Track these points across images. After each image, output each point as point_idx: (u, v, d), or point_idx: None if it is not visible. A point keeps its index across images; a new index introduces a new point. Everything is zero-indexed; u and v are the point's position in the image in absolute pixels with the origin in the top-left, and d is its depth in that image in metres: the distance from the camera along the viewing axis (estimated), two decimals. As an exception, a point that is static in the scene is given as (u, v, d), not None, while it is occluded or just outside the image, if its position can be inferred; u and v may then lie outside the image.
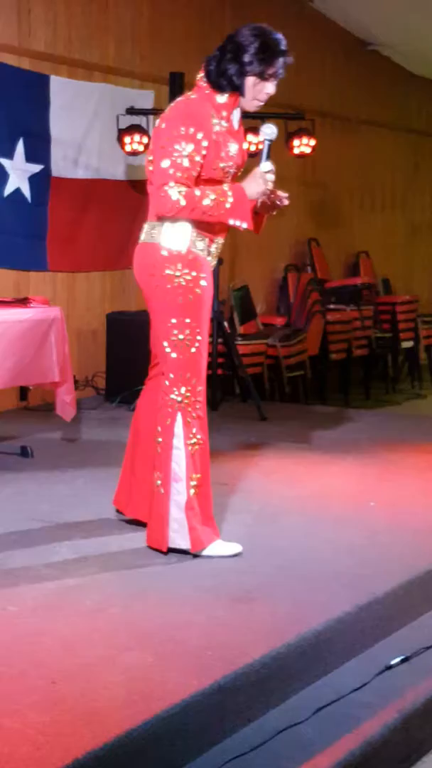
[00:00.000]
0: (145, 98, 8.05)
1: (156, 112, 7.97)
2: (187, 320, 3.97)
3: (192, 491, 4.03)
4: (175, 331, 3.98)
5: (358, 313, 9.30)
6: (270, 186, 3.97)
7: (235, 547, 4.07)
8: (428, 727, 3.34)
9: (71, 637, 3.28)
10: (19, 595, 3.63)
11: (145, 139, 7.61)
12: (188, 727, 2.85)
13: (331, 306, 9.23)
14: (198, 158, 3.87)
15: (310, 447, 6.14)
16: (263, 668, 3.13)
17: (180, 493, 4.03)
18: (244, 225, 3.94)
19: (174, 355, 4.01)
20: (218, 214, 3.90)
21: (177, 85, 8.10)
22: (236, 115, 4.07)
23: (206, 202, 3.86)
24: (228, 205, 3.89)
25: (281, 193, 4.04)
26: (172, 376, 4.02)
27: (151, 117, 7.86)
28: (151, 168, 3.99)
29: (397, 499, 5.06)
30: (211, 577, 3.86)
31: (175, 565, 3.99)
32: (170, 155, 3.86)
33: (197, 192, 3.87)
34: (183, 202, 3.85)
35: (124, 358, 7.62)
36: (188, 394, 4.01)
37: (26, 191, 7.23)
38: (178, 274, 3.95)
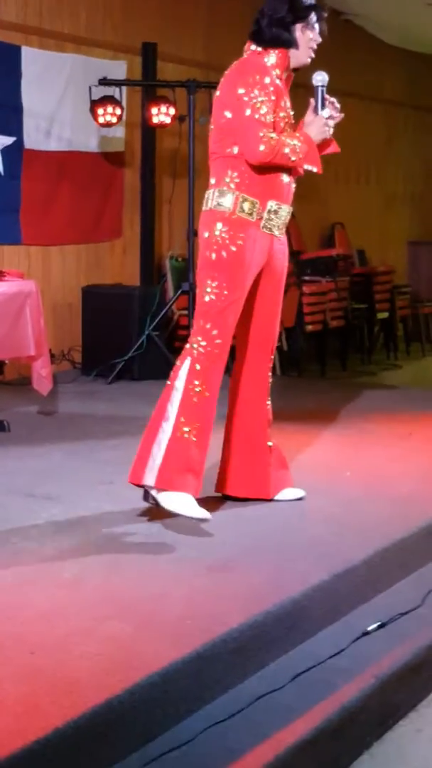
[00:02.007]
0: (117, 69, 7.99)
1: (129, 83, 7.94)
2: (216, 274, 4.08)
3: (182, 435, 4.02)
4: (204, 284, 4.10)
5: (333, 284, 9.31)
6: (330, 132, 4.18)
7: (203, 512, 4.01)
8: (404, 691, 3.38)
9: (49, 609, 3.29)
10: (-3, 567, 3.64)
11: (118, 110, 7.56)
12: (167, 695, 2.87)
13: (307, 278, 9.23)
14: (269, 104, 4.04)
15: (286, 418, 6.15)
16: (241, 636, 3.15)
17: (164, 431, 4.06)
18: (315, 169, 4.14)
19: (200, 305, 4.12)
20: (297, 159, 4.08)
21: (149, 55, 8.06)
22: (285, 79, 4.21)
23: (288, 148, 4.04)
24: (302, 152, 4.07)
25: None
26: (196, 322, 4.12)
27: (124, 88, 7.81)
28: (212, 129, 4.14)
29: (372, 468, 5.10)
30: (190, 548, 3.87)
31: (153, 536, 4.00)
32: (249, 104, 4.02)
33: (282, 138, 4.04)
34: (274, 144, 3.99)
35: (100, 332, 7.61)
36: (204, 343, 4.07)
37: (-2, 164, 7.19)
38: (216, 232, 4.08)
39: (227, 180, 4.08)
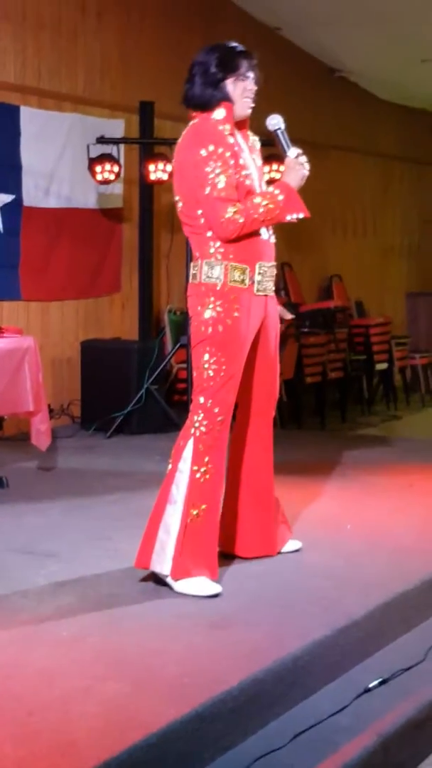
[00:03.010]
0: (115, 127, 8.09)
1: (126, 141, 8.03)
2: (213, 349, 3.99)
3: (192, 520, 3.96)
4: (201, 360, 4.02)
5: (332, 336, 9.34)
6: (307, 167, 4.08)
7: (215, 588, 3.95)
8: (407, 749, 3.33)
9: (48, 668, 3.26)
10: (-5, 626, 3.61)
11: (116, 168, 7.64)
12: (166, 756, 2.83)
13: (306, 329, 9.26)
14: (230, 170, 3.95)
15: (286, 471, 6.14)
16: (241, 694, 3.12)
17: (173, 516, 3.98)
18: (301, 215, 4.05)
19: (199, 381, 4.04)
20: (273, 216, 3.99)
21: (147, 113, 8.16)
22: (238, 133, 4.12)
23: (260, 210, 3.96)
24: (281, 204, 3.99)
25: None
26: (196, 399, 4.04)
27: (121, 146, 7.90)
28: (180, 206, 4.05)
29: (373, 520, 5.07)
30: (188, 604, 3.84)
31: (152, 593, 3.97)
32: (206, 181, 3.92)
33: (249, 204, 3.95)
34: (241, 220, 3.93)
35: (99, 386, 7.62)
36: (206, 422, 3.99)
37: (-2, 221, 7.25)
38: (211, 306, 4.00)
39: (212, 251, 3.99)
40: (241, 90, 4.05)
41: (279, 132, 4.13)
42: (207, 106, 4.04)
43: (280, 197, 4.00)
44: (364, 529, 4.88)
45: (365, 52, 9.94)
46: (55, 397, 7.55)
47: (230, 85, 4.04)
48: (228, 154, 3.95)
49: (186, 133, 4.06)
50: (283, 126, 4.13)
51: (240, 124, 4.15)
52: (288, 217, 4.02)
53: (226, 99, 4.04)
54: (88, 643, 3.47)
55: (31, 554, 4.48)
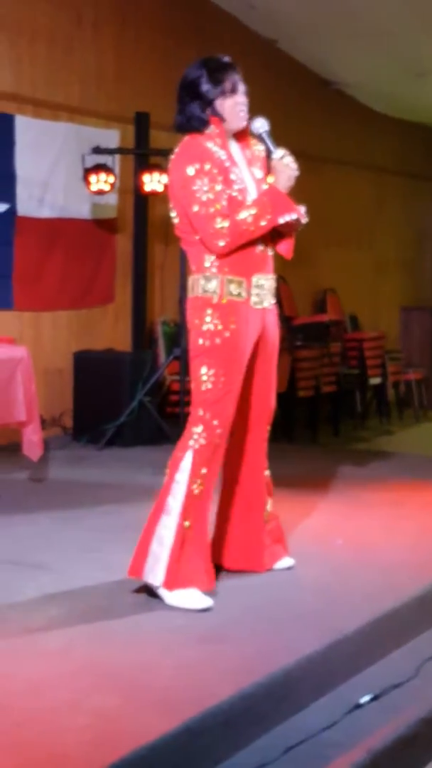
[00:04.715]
0: (110, 138, 8.08)
1: (121, 151, 8.03)
2: (210, 362, 3.99)
3: (185, 530, 3.95)
4: (198, 372, 4.02)
5: (325, 349, 9.32)
6: (293, 167, 4.06)
7: (206, 602, 3.93)
8: (397, 766, 3.31)
9: (36, 680, 3.23)
10: (-16, 637, 3.58)
11: (110, 178, 7.63)
12: (155, 770, 2.81)
13: (299, 343, 9.25)
14: (218, 186, 3.95)
15: (278, 485, 6.11)
16: (231, 709, 3.09)
17: (167, 527, 3.97)
18: (294, 216, 4.03)
19: (197, 394, 4.03)
20: (266, 223, 3.98)
21: (142, 123, 8.16)
22: (234, 147, 4.13)
23: (249, 220, 3.95)
24: (269, 209, 3.98)
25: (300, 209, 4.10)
26: (194, 411, 4.03)
27: (116, 156, 7.89)
28: (176, 221, 4.07)
29: (364, 536, 5.05)
30: (179, 617, 3.82)
31: (143, 605, 3.95)
32: (194, 199, 3.94)
33: (236, 216, 3.95)
34: (229, 234, 3.93)
35: (91, 397, 7.60)
36: (205, 434, 3.99)
37: (-9, 230, 7.23)
38: (208, 320, 4.00)
39: (207, 265, 4.00)
40: (231, 105, 4.06)
41: (264, 134, 4.13)
42: (198, 130, 4.06)
43: (268, 202, 3.99)
44: (355, 545, 4.86)
45: (361, 65, 9.95)
46: (48, 407, 7.52)
47: (219, 104, 4.05)
48: (216, 170, 3.96)
49: (176, 152, 4.09)
50: (267, 128, 4.13)
51: (239, 136, 4.16)
52: (281, 220, 4.01)
53: (216, 117, 4.05)
54: (78, 655, 3.45)
55: (21, 565, 4.45)
